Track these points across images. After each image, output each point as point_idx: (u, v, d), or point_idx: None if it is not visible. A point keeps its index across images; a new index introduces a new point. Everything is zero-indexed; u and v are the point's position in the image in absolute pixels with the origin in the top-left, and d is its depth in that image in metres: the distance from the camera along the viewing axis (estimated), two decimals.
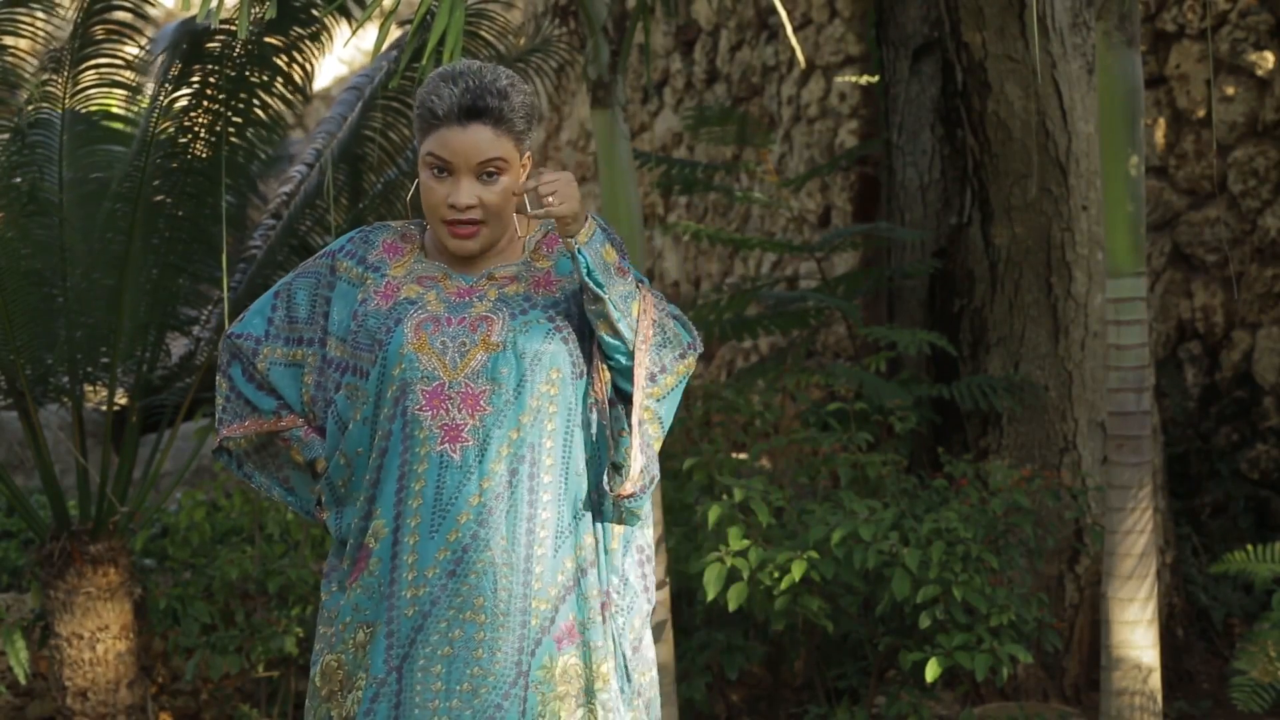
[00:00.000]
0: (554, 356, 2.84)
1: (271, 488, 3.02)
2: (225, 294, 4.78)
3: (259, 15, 4.60)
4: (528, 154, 2.90)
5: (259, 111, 5.19)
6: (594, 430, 2.89)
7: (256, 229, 5.91)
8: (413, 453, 2.82)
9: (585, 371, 2.88)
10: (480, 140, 2.82)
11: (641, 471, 2.87)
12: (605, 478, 2.88)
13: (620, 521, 2.90)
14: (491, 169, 2.83)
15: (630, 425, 2.87)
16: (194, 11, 3.75)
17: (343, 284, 2.94)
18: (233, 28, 4.80)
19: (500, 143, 2.83)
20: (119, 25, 5.10)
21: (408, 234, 2.98)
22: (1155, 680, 4.47)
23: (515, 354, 2.82)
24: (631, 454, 2.86)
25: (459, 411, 2.81)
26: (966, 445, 5.83)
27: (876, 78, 5.88)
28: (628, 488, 2.86)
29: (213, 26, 4.22)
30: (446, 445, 2.81)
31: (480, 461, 2.81)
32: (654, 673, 2.99)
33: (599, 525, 2.90)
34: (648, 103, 9.57)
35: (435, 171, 2.85)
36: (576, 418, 2.87)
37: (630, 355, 2.86)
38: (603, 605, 2.89)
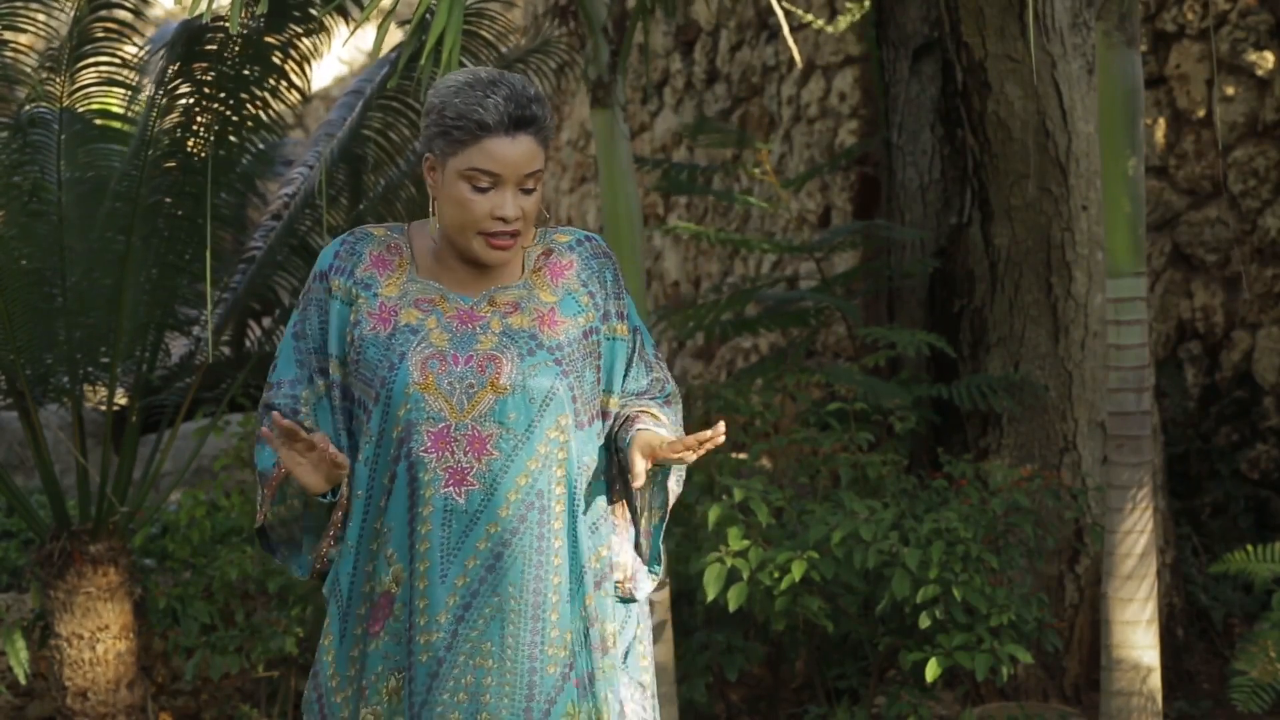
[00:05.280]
0: (562, 403, 2.80)
1: (289, 559, 2.93)
2: (209, 294, 4.78)
3: (251, 12, 4.60)
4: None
5: (257, 110, 5.19)
6: (601, 488, 2.88)
7: (256, 229, 5.92)
8: (418, 495, 2.76)
9: (588, 423, 2.85)
10: (527, 151, 2.76)
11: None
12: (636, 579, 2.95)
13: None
14: (533, 181, 2.78)
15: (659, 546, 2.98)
16: (194, 12, 3.75)
17: (337, 303, 2.86)
18: (228, 26, 4.80)
19: (540, 154, 2.78)
20: (118, 24, 5.10)
21: (393, 244, 2.89)
22: (1155, 680, 4.47)
23: (525, 398, 2.77)
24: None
25: (465, 454, 2.76)
26: (966, 445, 5.82)
27: (865, 9, 5.83)
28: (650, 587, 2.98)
29: (205, 21, 4.21)
30: (451, 489, 2.76)
31: (486, 506, 2.76)
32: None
33: (607, 583, 2.89)
34: (648, 103, 9.57)
35: (476, 186, 2.76)
36: (584, 469, 2.84)
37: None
38: (624, 651, 2.89)
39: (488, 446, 2.77)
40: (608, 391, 2.90)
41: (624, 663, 2.92)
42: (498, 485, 2.77)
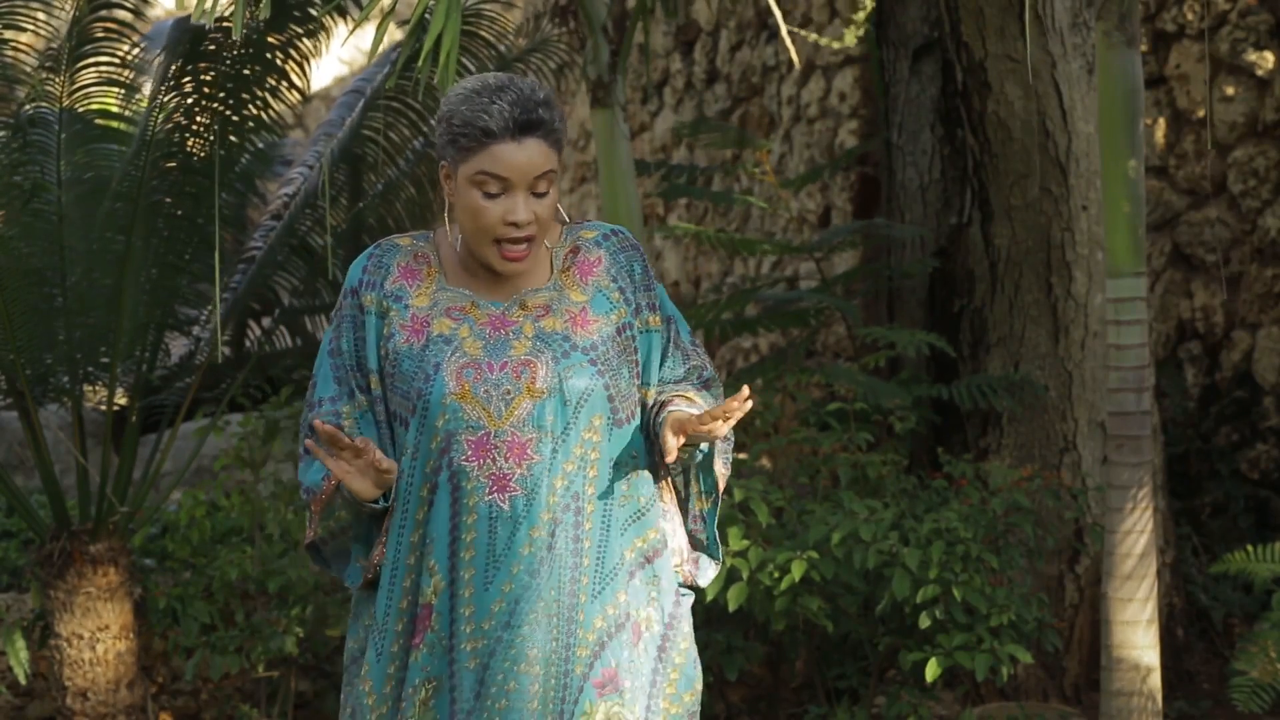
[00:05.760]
0: (597, 403, 2.80)
1: (343, 571, 2.93)
2: (218, 293, 4.78)
3: (254, 15, 4.60)
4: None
5: (257, 110, 5.19)
6: (641, 481, 2.88)
7: (256, 229, 5.92)
8: (461, 504, 2.76)
9: (627, 420, 2.85)
10: (536, 155, 2.74)
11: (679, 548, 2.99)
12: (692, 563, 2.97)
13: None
14: (544, 184, 2.77)
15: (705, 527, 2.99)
16: (197, 18, 3.75)
17: (371, 317, 2.85)
18: (230, 25, 4.80)
19: (551, 156, 2.77)
20: (118, 24, 5.10)
21: (420, 254, 2.88)
22: (1155, 680, 4.47)
23: (561, 401, 2.78)
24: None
25: (506, 461, 2.76)
26: (966, 445, 5.82)
27: (866, 16, 5.81)
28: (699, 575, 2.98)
29: (208, 26, 4.22)
30: (495, 495, 2.76)
31: (529, 511, 2.76)
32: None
33: (660, 561, 2.88)
34: (648, 103, 9.57)
35: (487, 192, 2.75)
36: (620, 467, 2.84)
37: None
38: (662, 638, 2.87)
39: (528, 451, 2.77)
40: (645, 384, 2.90)
41: (678, 647, 2.90)
42: (538, 489, 2.77)
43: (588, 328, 2.83)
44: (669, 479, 2.94)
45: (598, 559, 2.81)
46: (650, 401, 2.91)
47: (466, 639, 2.76)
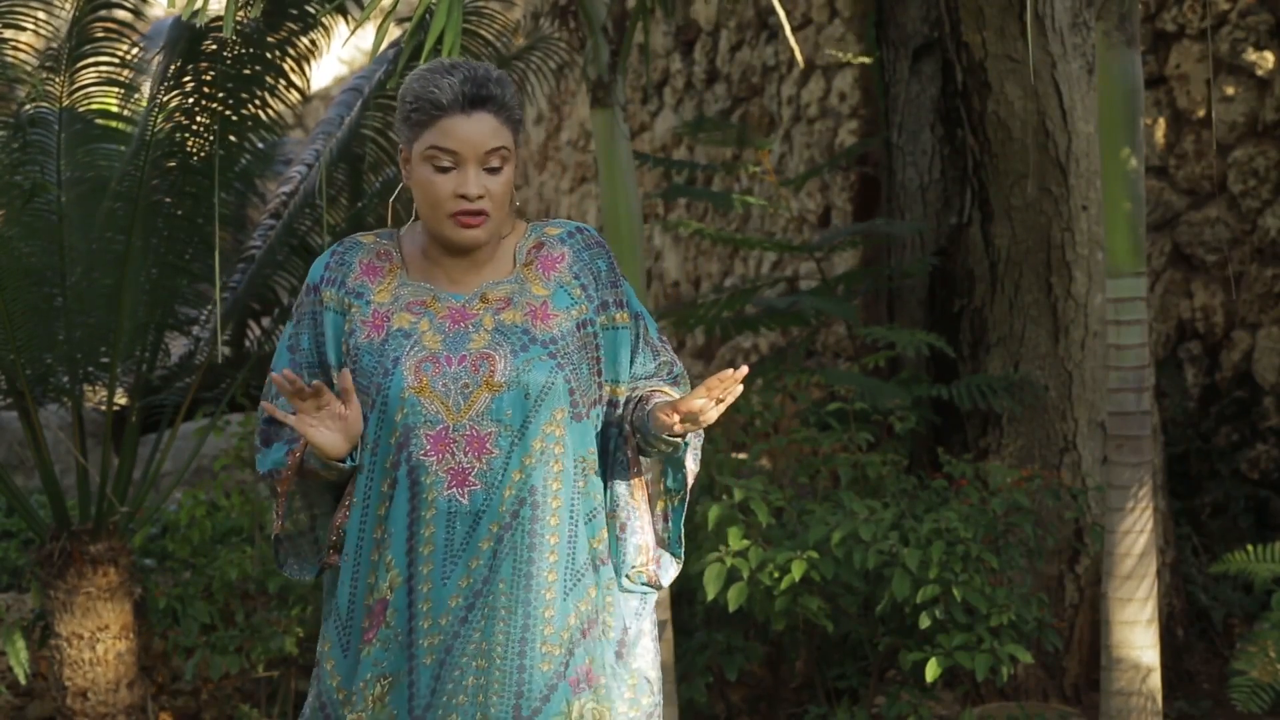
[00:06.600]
0: (558, 396, 2.79)
1: (304, 571, 2.94)
2: (218, 294, 4.78)
3: (245, 16, 4.59)
4: (518, 151, 2.86)
5: (256, 110, 5.19)
6: (599, 480, 2.87)
7: (256, 229, 5.91)
8: (420, 499, 2.76)
9: (585, 414, 2.84)
10: (486, 128, 2.76)
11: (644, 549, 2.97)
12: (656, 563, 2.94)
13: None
14: (496, 159, 2.78)
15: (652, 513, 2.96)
16: (187, 16, 3.75)
17: (329, 314, 2.85)
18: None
19: (503, 132, 2.78)
20: (118, 24, 5.10)
21: (383, 251, 2.89)
22: (1155, 680, 4.47)
23: (520, 394, 2.77)
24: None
25: (465, 455, 2.76)
26: (966, 445, 5.82)
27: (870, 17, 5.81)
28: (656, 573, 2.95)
29: (199, 25, 4.21)
30: (454, 490, 2.76)
31: (488, 505, 2.76)
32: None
33: (609, 567, 2.87)
34: (648, 103, 9.57)
35: (438, 166, 2.77)
36: (581, 462, 2.83)
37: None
38: (619, 644, 2.87)
39: (487, 445, 2.77)
40: (615, 381, 2.89)
41: (634, 652, 2.90)
42: (498, 483, 2.76)
43: (548, 321, 2.83)
44: (642, 476, 2.93)
45: (568, 554, 2.81)
46: (623, 398, 2.90)
47: (424, 635, 2.75)
